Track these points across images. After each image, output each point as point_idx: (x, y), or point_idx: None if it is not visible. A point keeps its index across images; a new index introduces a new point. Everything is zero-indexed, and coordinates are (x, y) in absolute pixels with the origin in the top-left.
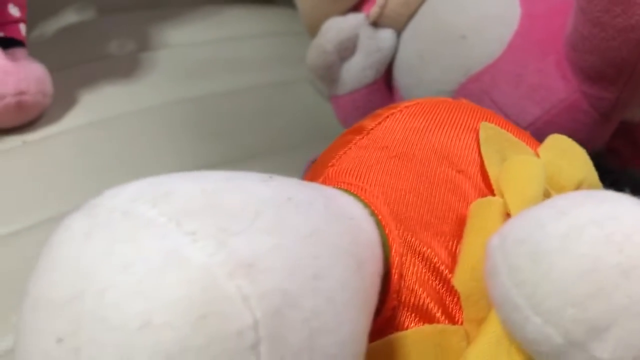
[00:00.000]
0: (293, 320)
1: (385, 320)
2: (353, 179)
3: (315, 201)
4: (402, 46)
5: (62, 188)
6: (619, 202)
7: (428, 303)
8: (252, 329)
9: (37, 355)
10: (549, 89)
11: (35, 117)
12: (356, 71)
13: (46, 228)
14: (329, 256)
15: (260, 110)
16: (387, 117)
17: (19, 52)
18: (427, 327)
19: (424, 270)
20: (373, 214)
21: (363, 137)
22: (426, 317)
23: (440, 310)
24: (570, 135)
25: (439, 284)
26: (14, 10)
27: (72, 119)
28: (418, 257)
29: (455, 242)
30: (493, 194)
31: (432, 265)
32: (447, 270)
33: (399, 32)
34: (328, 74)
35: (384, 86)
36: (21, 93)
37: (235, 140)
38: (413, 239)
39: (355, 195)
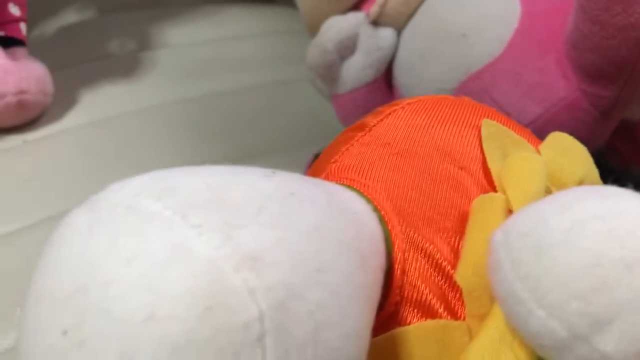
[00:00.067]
0: (298, 312)
1: (388, 315)
2: (355, 175)
3: (318, 196)
4: (402, 45)
5: (62, 187)
6: (622, 197)
7: (430, 299)
8: (258, 321)
9: (42, 349)
10: (549, 88)
11: (35, 116)
12: (356, 70)
13: (46, 227)
14: (332, 250)
15: (261, 110)
16: (389, 114)
17: (19, 51)
18: (429, 323)
19: (426, 266)
20: (376, 209)
21: (365, 134)
22: (428, 313)
23: (442, 306)
24: (570, 134)
25: (441, 279)
26: (14, 10)
27: (73, 118)
28: (420, 253)
29: (457, 238)
30: (495, 191)
31: (434, 261)
32: (449, 266)
33: (399, 30)
34: (328, 73)
35: (384, 85)
36: (22, 92)
37: (235, 140)
38: (415, 235)
39: (358, 191)
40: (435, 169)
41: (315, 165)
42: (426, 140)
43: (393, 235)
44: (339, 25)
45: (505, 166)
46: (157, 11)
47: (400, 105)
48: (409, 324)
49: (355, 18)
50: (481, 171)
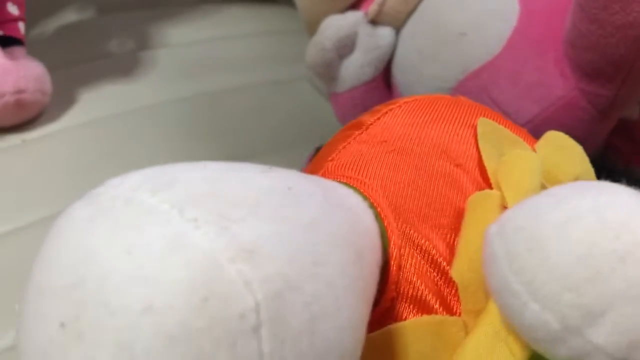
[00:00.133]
0: (294, 303)
1: (383, 311)
2: (352, 172)
3: (315, 192)
4: (401, 43)
5: (61, 186)
6: (616, 191)
7: (426, 294)
8: (254, 311)
9: (41, 341)
10: (548, 86)
11: (34, 115)
12: (355, 68)
13: (45, 226)
14: (328, 244)
15: (259, 109)
16: (386, 112)
17: (18, 50)
18: (425, 318)
19: (422, 262)
20: (372, 206)
21: (362, 132)
22: (424, 309)
23: (438, 302)
24: (568, 133)
25: (437, 275)
26: (12, 9)
27: (72, 118)
28: (416, 249)
29: (453, 234)
30: (490, 188)
31: (430, 257)
32: (445, 263)
33: (397, 29)
34: (327, 72)
35: (383, 84)
36: (20, 91)
37: (234, 139)
38: (411, 232)
39: (355, 188)
40: (432, 167)
41: (312, 163)
42: (422, 138)
43: (389, 231)
44: (338, 24)
45: (500, 164)
46: (156, 11)
47: (397, 104)
48: (405, 319)
49: (354, 17)
50: (477, 169)
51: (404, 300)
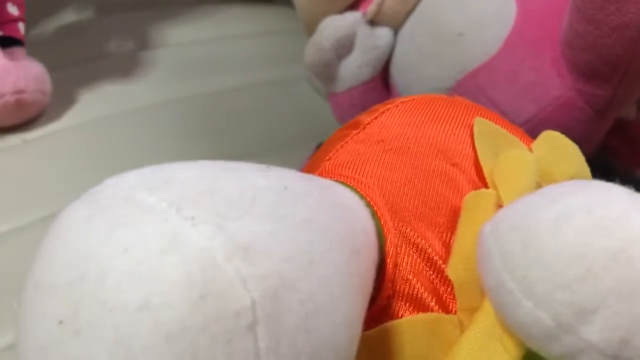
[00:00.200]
0: (289, 301)
1: (380, 309)
2: (349, 171)
3: (312, 190)
4: (399, 44)
5: (61, 186)
6: (609, 189)
7: (422, 293)
8: (250, 309)
9: (40, 338)
10: (544, 87)
11: (34, 115)
12: (353, 68)
13: (45, 226)
14: (324, 242)
15: (258, 109)
16: (383, 112)
17: (18, 51)
18: (421, 316)
19: (418, 261)
20: (368, 205)
21: (359, 132)
22: (420, 307)
23: (434, 300)
24: (565, 133)
25: (433, 274)
26: (12, 9)
27: (72, 118)
28: (413, 248)
29: (449, 233)
30: (486, 187)
31: (426, 255)
32: (441, 261)
33: (396, 29)
34: (325, 72)
35: (381, 84)
36: (20, 91)
37: (233, 138)
38: (408, 230)
39: (351, 187)
40: (428, 166)
41: (310, 163)
42: (419, 138)
43: (385, 230)
44: (336, 24)
45: (496, 163)
46: (156, 11)
47: (395, 104)
48: (401, 317)
49: (352, 17)
50: (473, 168)
51: (400, 298)
